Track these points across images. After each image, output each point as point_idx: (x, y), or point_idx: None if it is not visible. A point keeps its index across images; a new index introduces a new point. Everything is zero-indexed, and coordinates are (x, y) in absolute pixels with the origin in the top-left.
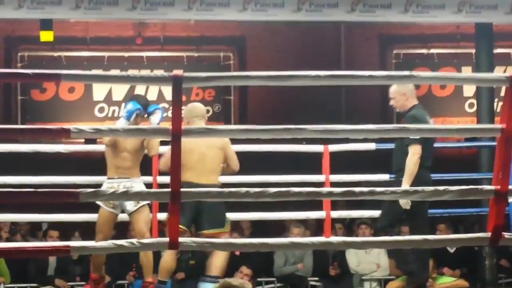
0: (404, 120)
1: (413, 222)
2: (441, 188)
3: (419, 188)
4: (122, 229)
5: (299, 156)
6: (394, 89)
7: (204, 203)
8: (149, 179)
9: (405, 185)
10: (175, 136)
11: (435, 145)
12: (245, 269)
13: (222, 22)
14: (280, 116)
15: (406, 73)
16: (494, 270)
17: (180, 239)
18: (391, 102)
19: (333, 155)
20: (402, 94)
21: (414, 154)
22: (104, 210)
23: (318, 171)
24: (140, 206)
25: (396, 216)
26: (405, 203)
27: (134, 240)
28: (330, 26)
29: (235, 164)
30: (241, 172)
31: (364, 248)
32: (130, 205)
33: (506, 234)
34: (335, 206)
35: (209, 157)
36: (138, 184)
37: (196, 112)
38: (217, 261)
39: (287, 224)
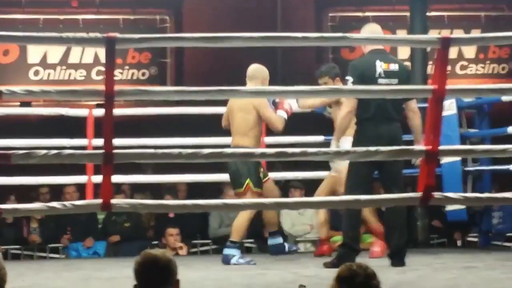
0: None
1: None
2: (372, 148)
3: (351, 149)
4: None
5: None
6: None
7: (227, 164)
8: (84, 142)
9: (333, 142)
10: (108, 97)
11: None
12: (171, 230)
13: None
14: (217, 79)
15: (340, 35)
16: (426, 230)
17: (113, 201)
18: None
19: None
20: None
21: (345, 107)
22: None
23: None
24: None
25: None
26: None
27: (66, 202)
28: None
29: (273, 125)
30: (177, 134)
31: (296, 208)
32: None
33: (436, 194)
34: (272, 168)
35: (235, 120)
36: None
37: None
38: (235, 225)
39: (223, 187)
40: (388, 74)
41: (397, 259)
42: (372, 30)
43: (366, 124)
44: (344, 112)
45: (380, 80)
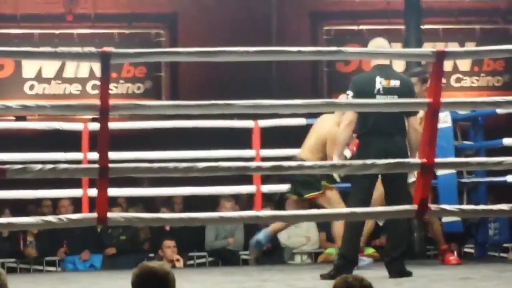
0: None
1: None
2: (369, 161)
3: (347, 162)
4: None
5: (231, 132)
6: None
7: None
8: (79, 156)
9: (334, 156)
10: (103, 112)
11: None
12: (168, 242)
13: None
14: (212, 93)
15: (334, 48)
16: (423, 242)
17: (109, 214)
18: None
19: (266, 131)
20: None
21: (344, 121)
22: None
23: (251, 147)
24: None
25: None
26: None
27: (62, 216)
28: (262, 3)
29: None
30: (172, 148)
31: (292, 221)
32: None
33: (432, 206)
34: (267, 181)
35: (312, 136)
36: None
37: None
38: (335, 233)
39: (219, 199)
40: (388, 91)
41: (394, 270)
42: (377, 44)
43: (364, 139)
44: (342, 126)
45: (379, 97)
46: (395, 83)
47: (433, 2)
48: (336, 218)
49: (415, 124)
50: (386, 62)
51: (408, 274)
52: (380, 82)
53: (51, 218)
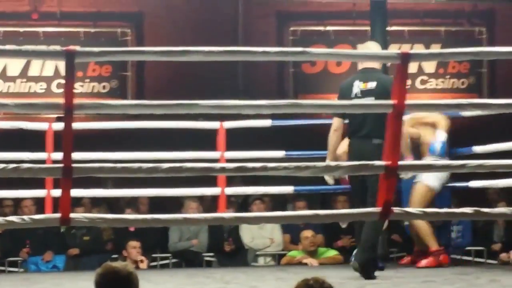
0: None
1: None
2: (332, 163)
3: (310, 164)
4: None
5: (197, 133)
6: None
7: None
8: (44, 155)
9: (326, 160)
10: (67, 111)
11: (330, 121)
12: (133, 243)
13: None
14: (178, 93)
15: (300, 49)
16: (386, 244)
17: (72, 215)
18: None
19: (231, 132)
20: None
21: (332, 127)
22: None
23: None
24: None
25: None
26: (327, 178)
27: (25, 216)
28: (228, 3)
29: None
30: (138, 148)
31: (256, 223)
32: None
33: (396, 209)
34: (231, 182)
35: None
36: None
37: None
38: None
39: (183, 200)
40: (365, 93)
41: (363, 272)
42: (365, 46)
43: (349, 142)
44: (330, 132)
45: (356, 100)
46: (372, 85)
47: (398, 3)
48: (298, 220)
49: None
50: (372, 65)
51: (372, 277)
52: (358, 86)
53: (13, 218)
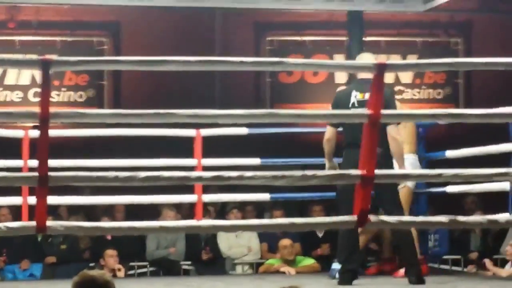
0: None
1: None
2: (309, 173)
3: (287, 173)
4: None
5: (173, 140)
6: None
7: None
8: (20, 162)
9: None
10: (43, 120)
11: (306, 130)
12: (110, 252)
13: (96, 6)
14: (155, 102)
15: (276, 59)
16: (363, 253)
17: (48, 223)
18: None
19: (208, 140)
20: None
21: (324, 136)
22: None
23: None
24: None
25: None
26: None
27: (1, 224)
28: (206, 12)
29: None
30: (114, 156)
31: (233, 231)
32: None
33: (372, 217)
34: (208, 190)
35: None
36: None
37: None
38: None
39: (161, 208)
40: (362, 103)
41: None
42: (360, 57)
43: (345, 151)
44: (323, 142)
45: (353, 110)
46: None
47: (375, 14)
48: (275, 228)
49: (393, 133)
50: (369, 76)
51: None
52: (355, 96)
53: None
